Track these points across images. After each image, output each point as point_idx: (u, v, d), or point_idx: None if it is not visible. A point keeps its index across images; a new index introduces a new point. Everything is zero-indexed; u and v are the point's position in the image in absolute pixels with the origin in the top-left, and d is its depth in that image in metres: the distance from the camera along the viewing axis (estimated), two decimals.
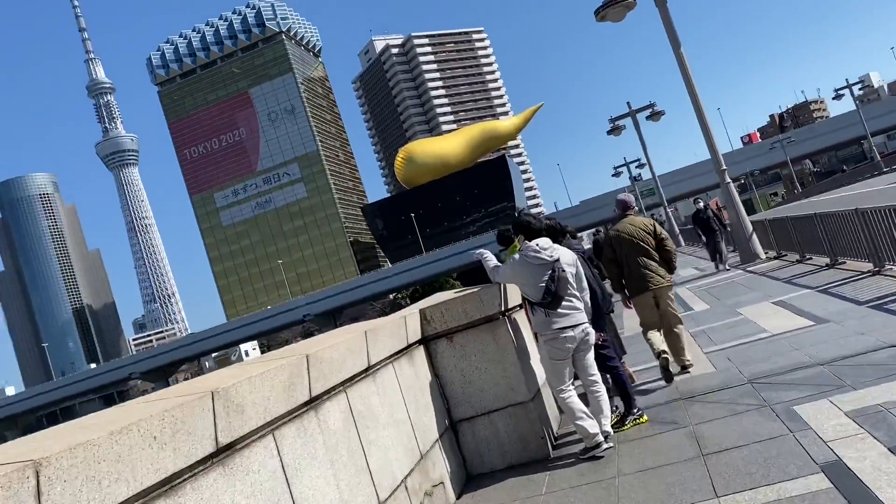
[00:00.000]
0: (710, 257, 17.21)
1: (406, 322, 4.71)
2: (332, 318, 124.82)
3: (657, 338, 6.50)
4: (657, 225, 6.79)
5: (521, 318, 5.74)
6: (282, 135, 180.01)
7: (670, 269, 6.73)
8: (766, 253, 15.29)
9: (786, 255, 14.06)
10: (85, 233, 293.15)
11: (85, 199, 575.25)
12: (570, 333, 4.87)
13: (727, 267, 15.50)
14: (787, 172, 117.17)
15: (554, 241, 5.16)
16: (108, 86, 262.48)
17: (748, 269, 14.22)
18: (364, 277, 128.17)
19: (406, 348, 4.69)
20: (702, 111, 15.67)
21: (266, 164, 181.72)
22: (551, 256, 4.93)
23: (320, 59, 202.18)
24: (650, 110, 34.04)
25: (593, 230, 32.47)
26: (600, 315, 5.71)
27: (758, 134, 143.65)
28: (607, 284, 6.83)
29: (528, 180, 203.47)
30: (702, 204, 18.33)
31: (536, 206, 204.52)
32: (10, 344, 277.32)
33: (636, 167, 54.32)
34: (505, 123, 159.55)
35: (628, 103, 34.94)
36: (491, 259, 5.38)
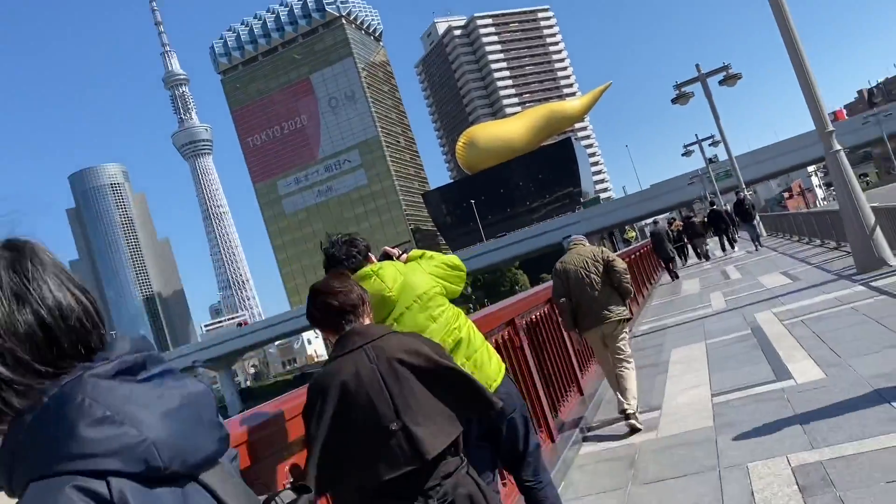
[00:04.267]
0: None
1: None
2: None
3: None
4: (605, 250, 6.41)
5: None
6: (342, 121, 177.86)
7: (623, 295, 6.23)
8: (895, 255, 10.14)
9: None
10: (155, 222, 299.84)
11: (155, 188, 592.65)
12: None
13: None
14: (881, 151, 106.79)
15: None
16: (182, 77, 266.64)
17: (872, 283, 9.11)
18: None
19: None
20: (799, 50, 10.62)
21: (327, 150, 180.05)
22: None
23: (381, 44, 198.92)
24: (724, 73, 28.38)
25: (651, 220, 27.68)
26: None
27: (844, 111, 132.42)
28: None
29: (595, 164, 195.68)
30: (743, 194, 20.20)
31: (605, 190, 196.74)
32: None
33: (710, 145, 48.49)
34: (572, 104, 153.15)
35: (697, 66, 29.36)
36: None
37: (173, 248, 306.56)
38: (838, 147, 10.29)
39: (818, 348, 6.42)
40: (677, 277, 20.14)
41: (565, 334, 7.49)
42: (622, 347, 6.17)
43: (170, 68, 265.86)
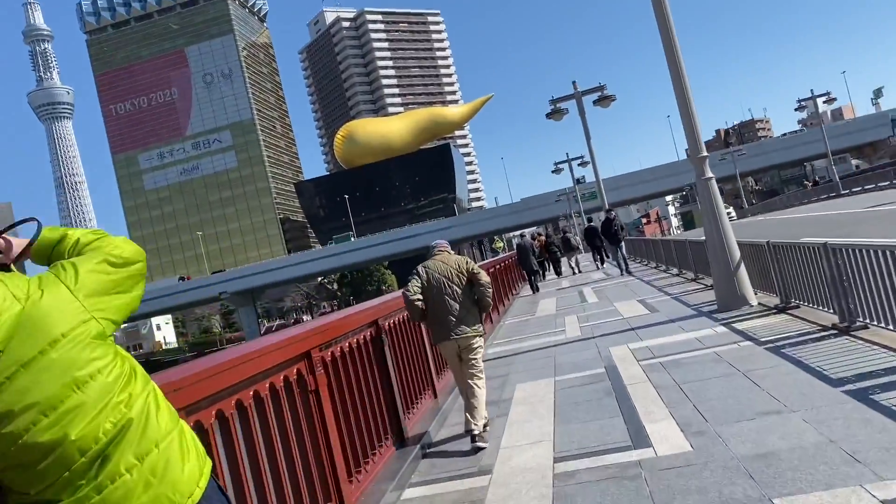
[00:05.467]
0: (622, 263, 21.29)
1: None
2: (252, 298, 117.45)
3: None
4: (470, 261, 6.20)
5: None
6: (216, 99, 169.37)
7: (482, 309, 6.15)
8: (756, 294, 9.59)
9: (796, 307, 8.34)
10: None
11: (1, 148, 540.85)
12: None
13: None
14: (732, 188, 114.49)
15: None
16: (45, 32, 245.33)
17: (734, 324, 8.40)
18: (290, 258, 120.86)
19: None
20: (681, 70, 9.89)
21: (196, 128, 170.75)
22: None
23: (265, 25, 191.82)
24: (599, 93, 28.40)
25: (519, 233, 27.25)
26: None
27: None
28: None
29: (471, 172, 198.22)
30: (612, 213, 22.20)
31: (479, 199, 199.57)
32: None
33: (579, 165, 49.44)
34: (453, 111, 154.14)
35: (574, 83, 29.22)
36: None
37: (16, 215, 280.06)
38: (710, 175, 9.64)
39: (681, 405, 5.41)
40: (538, 290, 20.82)
41: (391, 365, 6.15)
42: (475, 362, 6.05)
43: (32, 21, 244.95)
